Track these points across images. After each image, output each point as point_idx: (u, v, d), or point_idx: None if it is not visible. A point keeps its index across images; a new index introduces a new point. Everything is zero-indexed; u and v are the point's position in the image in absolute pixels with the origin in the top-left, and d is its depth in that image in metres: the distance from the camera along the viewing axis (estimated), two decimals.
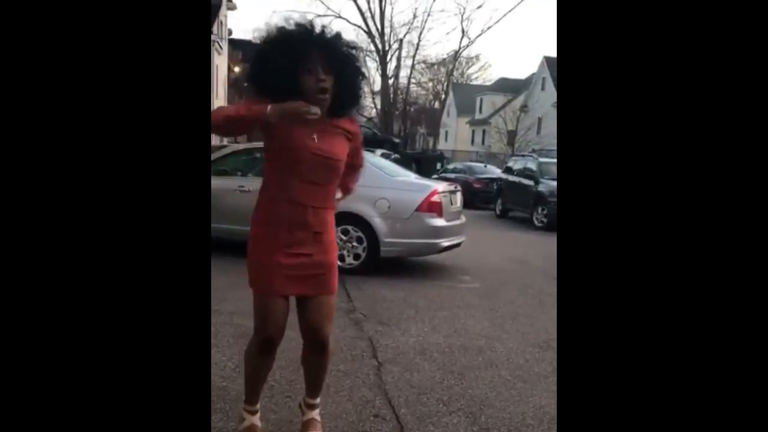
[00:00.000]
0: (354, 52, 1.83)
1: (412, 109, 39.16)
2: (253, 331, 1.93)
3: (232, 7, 29.47)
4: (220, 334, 3.23)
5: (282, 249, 1.80)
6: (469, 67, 43.20)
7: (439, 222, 5.15)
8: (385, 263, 5.16)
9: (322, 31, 1.77)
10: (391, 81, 32.09)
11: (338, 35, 1.79)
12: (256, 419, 2.01)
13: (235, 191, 5.46)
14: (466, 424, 2.33)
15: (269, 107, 1.66)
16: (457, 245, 5.61)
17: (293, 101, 1.69)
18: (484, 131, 37.26)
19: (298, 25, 1.77)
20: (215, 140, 11.89)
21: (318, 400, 2.06)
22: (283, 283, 1.81)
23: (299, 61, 1.72)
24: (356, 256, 5.09)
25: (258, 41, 1.80)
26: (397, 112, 33.66)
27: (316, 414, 2.04)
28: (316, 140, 1.77)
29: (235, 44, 31.41)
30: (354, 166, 1.98)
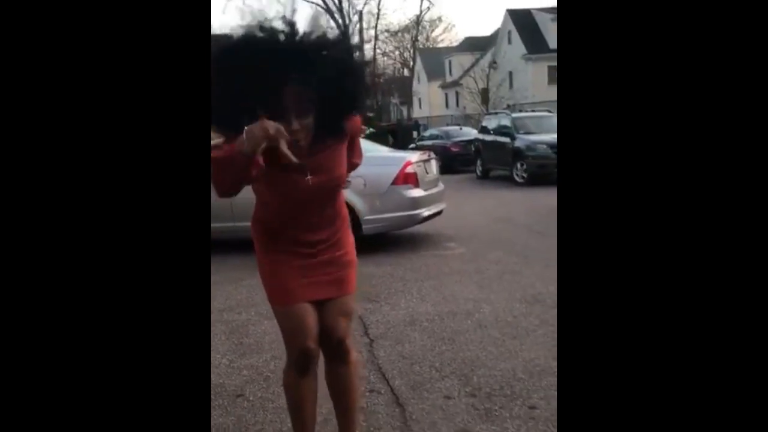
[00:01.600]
0: (343, 53, 1.44)
1: (381, 81, 38.76)
2: (287, 356, 1.69)
3: None
4: (213, 334, 3.26)
5: (292, 255, 1.60)
6: (432, 30, 42.75)
7: (417, 192, 5.18)
8: (368, 240, 5.19)
9: (291, 41, 1.33)
10: (356, 55, 31.60)
11: (313, 38, 1.36)
12: None
13: None
14: (459, 386, 2.39)
15: (239, 142, 1.31)
16: (438, 213, 5.65)
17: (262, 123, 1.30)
18: (457, 93, 37.08)
19: (259, 44, 1.31)
20: None
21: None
22: (304, 288, 1.60)
23: (264, 100, 1.33)
24: None
25: (217, 55, 1.29)
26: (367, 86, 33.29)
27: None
28: (310, 182, 1.50)
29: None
30: (351, 164, 1.69)
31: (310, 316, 1.62)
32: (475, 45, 36.47)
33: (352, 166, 1.71)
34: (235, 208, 5.26)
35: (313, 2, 28.28)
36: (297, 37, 1.34)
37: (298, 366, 1.67)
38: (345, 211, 1.71)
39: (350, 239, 1.71)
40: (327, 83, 1.34)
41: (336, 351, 1.71)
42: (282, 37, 1.33)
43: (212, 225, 6.14)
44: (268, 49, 1.31)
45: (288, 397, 1.75)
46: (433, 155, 5.99)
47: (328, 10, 29.84)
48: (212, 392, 2.47)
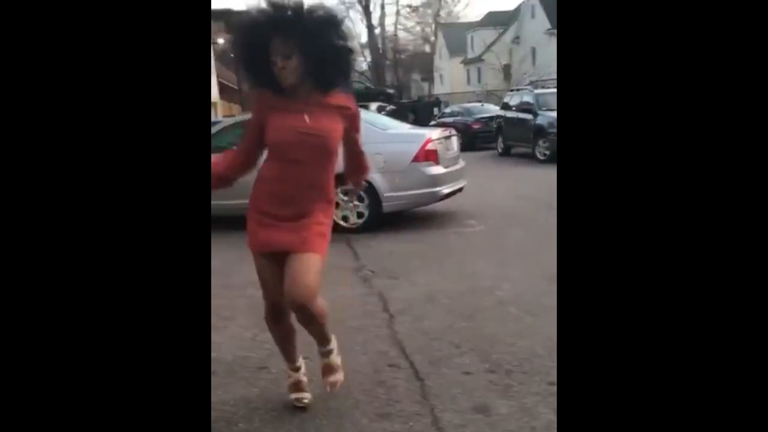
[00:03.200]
0: (325, 25, 1.80)
1: (402, 57, 38.30)
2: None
3: None
4: (235, 307, 3.33)
5: (265, 215, 1.92)
6: (455, 5, 41.96)
7: (437, 170, 5.15)
8: (389, 218, 5.21)
9: (284, 13, 1.77)
10: (377, 31, 31.31)
11: (303, 12, 1.77)
12: (300, 375, 2.16)
13: None
14: (478, 362, 2.41)
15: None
16: (459, 190, 5.63)
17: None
18: (479, 69, 36.47)
19: (260, 12, 1.80)
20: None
21: (328, 347, 2.07)
22: (263, 241, 1.93)
23: (262, 51, 1.79)
24: (359, 215, 5.14)
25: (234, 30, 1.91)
26: (388, 62, 32.97)
27: (328, 359, 2.08)
28: (308, 120, 1.83)
29: (216, 15, 30.60)
30: (353, 141, 1.99)
31: (267, 270, 1.96)
32: (498, 20, 35.72)
33: (354, 152, 2.04)
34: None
35: None
36: (288, 8, 1.78)
37: (271, 315, 2.05)
38: (332, 196, 1.99)
39: (329, 223, 1.99)
40: (309, 34, 1.77)
41: (290, 304, 1.91)
42: (271, 10, 1.79)
43: (228, 203, 6.25)
44: (266, 14, 1.80)
45: (272, 335, 2.15)
46: (454, 132, 5.94)
47: None
48: (236, 366, 2.53)
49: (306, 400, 2.12)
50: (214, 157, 1.81)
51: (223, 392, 2.28)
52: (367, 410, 2.08)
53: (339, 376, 2.09)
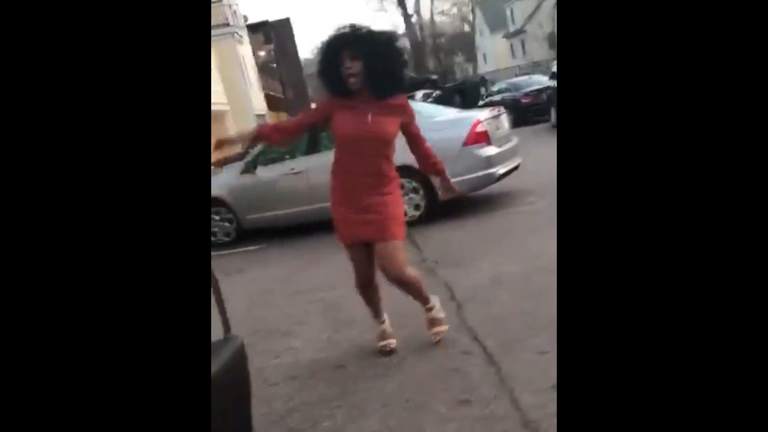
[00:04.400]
0: (385, 43, 2.28)
1: (442, 41, 37.80)
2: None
3: None
4: (308, 311, 3.45)
5: (349, 207, 2.38)
6: None
7: (490, 150, 5.08)
8: (446, 206, 5.18)
9: (351, 32, 2.27)
10: (414, 19, 31.06)
11: (364, 30, 2.28)
12: (386, 325, 2.63)
13: (287, 175, 5.65)
14: (551, 341, 2.38)
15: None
16: (515, 168, 5.52)
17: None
18: (522, 42, 35.41)
19: (333, 34, 2.31)
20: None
21: (429, 304, 2.55)
22: (350, 232, 2.41)
23: (334, 59, 2.27)
24: (416, 207, 5.15)
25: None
26: (428, 49, 32.65)
27: (432, 314, 2.57)
28: (370, 120, 2.27)
29: (254, 28, 31.46)
30: (413, 135, 2.44)
31: (356, 257, 2.47)
32: None
33: (415, 137, 2.46)
34: (315, 191, 5.45)
35: None
36: (356, 29, 2.30)
37: (362, 285, 2.55)
38: (396, 182, 2.44)
39: (399, 204, 2.44)
40: (369, 45, 2.25)
41: (390, 281, 2.44)
42: (340, 32, 2.32)
43: (288, 212, 6.43)
44: (338, 33, 2.32)
45: (362, 297, 2.62)
46: (502, 110, 5.83)
47: None
48: (316, 366, 2.63)
49: (392, 345, 2.57)
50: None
51: (306, 393, 2.38)
52: (445, 399, 2.11)
53: (443, 327, 2.56)
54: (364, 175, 2.32)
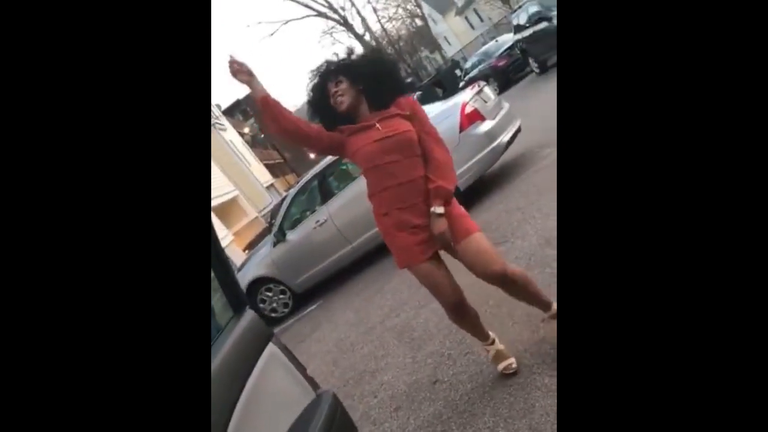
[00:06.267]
0: (367, 57, 2.18)
1: (401, 44, 38.06)
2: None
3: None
4: (385, 344, 3.50)
5: (405, 226, 2.04)
6: None
7: (487, 125, 5.10)
8: (469, 193, 5.20)
9: (330, 61, 2.15)
10: (367, 37, 31.47)
11: (330, 60, 2.16)
12: (497, 345, 2.30)
13: (314, 230, 5.78)
14: None
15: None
16: (518, 131, 5.52)
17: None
18: (475, 10, 35.40)
19: (315, 69, 2.18)
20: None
21: (552, 309, 2.18)
22: (421, 248, 2.05)
23: (322, 90, 2.13)
24: None
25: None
26: (392, 57, 32.98)
27: (550, 313, 2.20)
28: (380, 128, 2.04)
29: (229, 112, 32.41)
30: (427, 134, 2.07)
31: (438, 272, 2.08)
32: None
33: (430, 138, 2.08)
34: (345, 233, 5.56)
35: (304, 4, 28.87)
36: (327, 61, 2.17)
37: (451, 314, 2.18)
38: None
39: (455, 202, 2.10)
40: (349, 64, 2.12)
41: (492, 281, 2.09)
42: (321, 65, 2.17)
43: (329, 261, 6.49)
44: (319, 68, 2.17)
45: (461, 327, 2.30)
46: (481, 83, 5.85)
47: (320, 14, 30.00)
48: (413, 390, 2.67)
49: (514, 365, 2.23)
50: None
51: (414, 419, 2.42)
52: (545, 371, 2.12)
53: None
54: (407, 184, 2.02)
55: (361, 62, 2.13)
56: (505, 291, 2.15)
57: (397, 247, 2.08)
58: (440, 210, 2.01)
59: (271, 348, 1.42)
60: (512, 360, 2.25)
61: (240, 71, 1.96)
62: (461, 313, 2.18)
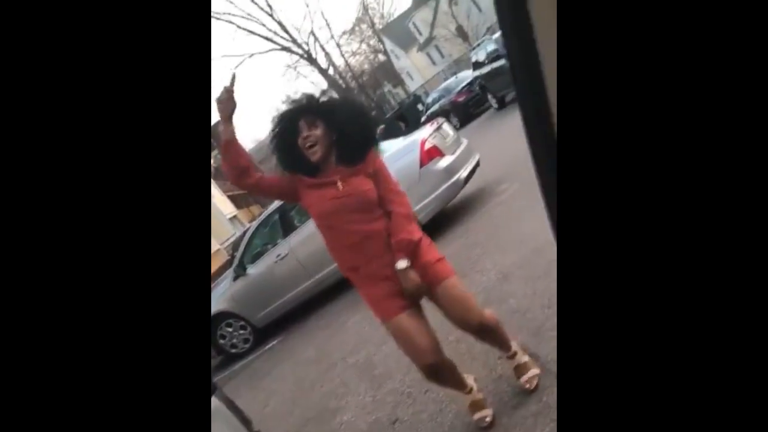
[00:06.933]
0: (342, 105, 2.08)
1: (365, 78, 38.70)
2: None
3: None
4: (346, 382, 3.46)
5: (375, 278, 1.95)
6: (382, 7, 42.36)
7: (445, 161, 5.21)
8: (430, 227, 5.27)
9: (312, 97, 2.03)
10: (331, 71, 31.93)
11: (312, 97, 2.03)
12: (474, 394, 2.19)
13: (276, 263, 5.72)
14: None
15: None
16: (477, 166, 5.66)
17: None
18: (436, 47, 36.46)
19: (293, 100, 2.06)
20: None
21: (512, 350, 2.18)
22: (394, 301, 1.94)
23: (290, 136, 1.97)
24: None
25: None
26: (355, 92, 33.43)
27: (516, 360, 2.19)
28: (340, 187, 1.93)
29: None
30: (389, 191, 1.98)
31: (412, 330, 1.95)
32: None
33: (391, 194, 1.98)
34: (307, 267, 5.51)
35: (268, 39, 29.01)
36: (308, 98, 2.04)
37: (430, 373, 2.04)
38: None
39: (430, 245, 2.03)
40: (324, 109, 1.99)
41: (467, 330, 2.07)
42: (290, 105, 2.04)
43: (293, 292, 6.36)
44: (290, 106, 2.04)
45: (438, 385, 2.22)
46: (441, 120, 6.00)
47: (285, 49, 30.31)
48: (371, 428, 2.64)
49: (489, 418, 2.12)
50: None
51: None
52: (503, 409, 2.14)
53: (534, 371, 2.16)
54: (369, 239, 1.93)
55: (342, 109, 2.00)
56: (476, 338, 2.14)
57: (369, 301, 2.00)
58: (403, 264, 1.91)
59: (213, 402, 1.36)
60: (489, 412, 2.14)
61: (228, 101, 1.86)
62: (437, 374, 2.05)
